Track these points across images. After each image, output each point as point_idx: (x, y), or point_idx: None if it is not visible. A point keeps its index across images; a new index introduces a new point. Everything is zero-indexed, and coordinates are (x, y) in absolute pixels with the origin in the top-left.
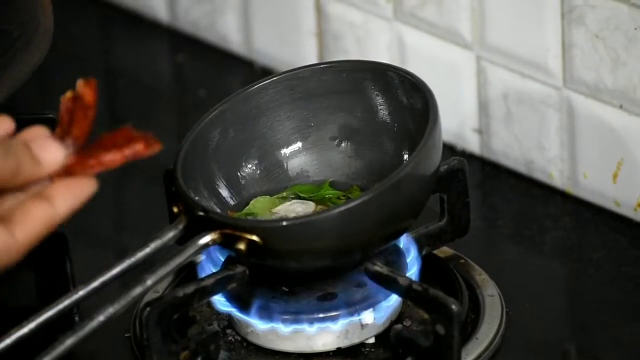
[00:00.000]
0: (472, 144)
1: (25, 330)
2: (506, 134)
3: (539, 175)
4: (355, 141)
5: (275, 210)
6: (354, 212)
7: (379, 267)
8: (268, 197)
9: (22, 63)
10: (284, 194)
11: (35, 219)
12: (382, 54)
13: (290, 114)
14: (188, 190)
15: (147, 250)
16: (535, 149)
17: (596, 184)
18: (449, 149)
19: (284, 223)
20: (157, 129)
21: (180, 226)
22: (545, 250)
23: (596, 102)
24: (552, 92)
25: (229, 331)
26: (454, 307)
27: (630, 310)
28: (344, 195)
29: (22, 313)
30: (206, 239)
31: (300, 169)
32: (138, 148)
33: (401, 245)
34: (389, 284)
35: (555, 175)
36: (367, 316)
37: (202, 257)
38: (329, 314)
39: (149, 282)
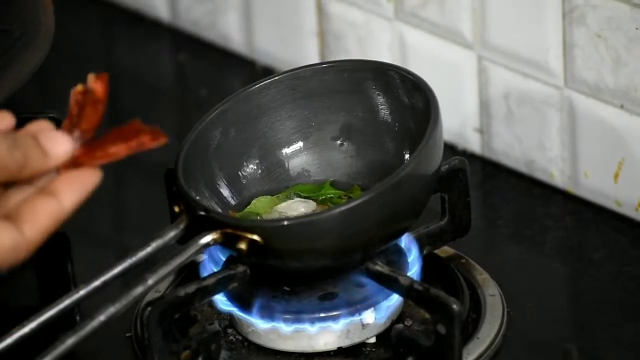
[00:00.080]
0: (473, 143)
1: (26, 329)
2: (507, 133)
3: (540, 175)
4: (356, 141)
5: (276, 209)
6: (355, 211)
7: (380, 267)
8: (269, 196)
9: (23, 63)
10: (285, 193)
11: (43, 215)
12: (383, 54)
13: (292, 114)
14: (189, 190)
15: (148, 249)
16: (536, 148)
17: (597, 183)
18: (450, 149)
19: (285, 223)
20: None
21: (182, 226)
22: (546, 250)
23: (597, 102)
24: (553, 92)
25: (230, 331)
26: (455, 306)
27: (631, 310)
28: (345, 195)
29: (23, 312)
30: (207, 238)
31: (301, 169)
32: (144, 140)
33: (402, 245)
34: (390, 283)
35: (556, 174)
36: (368, 316)
37: (203, 257)
38: (330, 314)
39: (150, 281)
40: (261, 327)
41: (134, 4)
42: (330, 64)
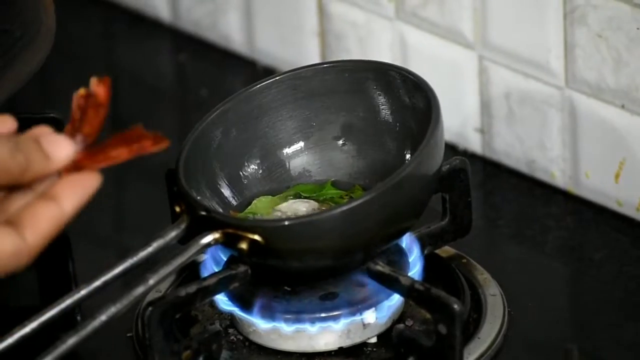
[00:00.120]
0: (474, 143)
1: (27, 329)
2: (508, 133)
3: (540, 175)
4: (357, 141)
5: (277, 209)
6: (356, 211)
7: (381, 267)
8: (270, 196)
9: (24, 63)
10: (286, 193)
11: (44, 220)
12: (384, 54)
13: (293, 114)
14: (190, 190)
15: (149, 249)
16: (537, 148)
17: (598, 183)
18: (451, 149)
19: (286, 223)
20: (159, 129)
21: (183, 226)
22: (547, 250)
23: (598, 101)
24: (554, 92)
25: (231, 331)
26: (456, 306)
27: (632, 309)
28: (346, 195)
29: (25, 312)
30: (208, 238)
31: (302, 169)
32: (145, 144)
33: (403, 245)
34: (391, 283)
35: (557, 174)
36: (369, 316)
37: (204, 257)
38: (331, 314)
39: (151, 281)
40: (262, 327)
41: (134, 4)
42: (331, 64)
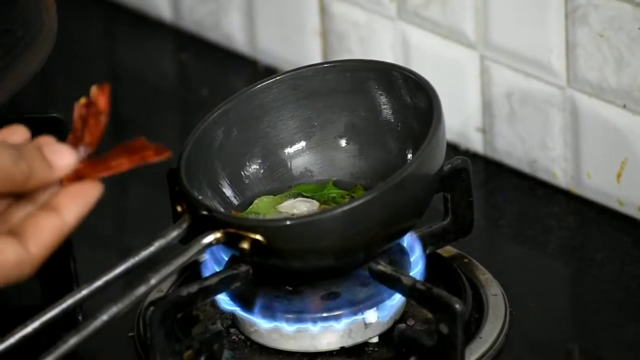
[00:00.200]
0: (476, 143)
1: (29, 329)
2: (510, 133)
3: (542, 175)
4: (359, 140)
5: (278, 208)
6: (358, 211)
7: (382, 267)
8: (272, 196)
9: (26, 63)
10: (288, 193)
11: (47, 231)
12: (386, 54)
13: (294, 113)
14: (192, 190)
15: (151, 249)
16: (539, 148)
17: (600, 183)
18: (453, 148)
19: (288, 222)
20: (160, 128)
21: (184, 225)
22: (548, 250)
23: (600, 101)
24: (555, 92)
25: (232, 330)
26: (457, 306)
27: (633, 309)
28: (347, 195)
29: (26, 312)
30: (210, 238)
31: (304, 168)
32: (147, 154)
33: (405, 245)
34: (393, 283)
35: (559, 174)
36: (371, 315)
37: (205, 256)
38: (332, 313)
39: (153, 281)
40: (264, 326)
41: (136, 4)
42: (333, 64)
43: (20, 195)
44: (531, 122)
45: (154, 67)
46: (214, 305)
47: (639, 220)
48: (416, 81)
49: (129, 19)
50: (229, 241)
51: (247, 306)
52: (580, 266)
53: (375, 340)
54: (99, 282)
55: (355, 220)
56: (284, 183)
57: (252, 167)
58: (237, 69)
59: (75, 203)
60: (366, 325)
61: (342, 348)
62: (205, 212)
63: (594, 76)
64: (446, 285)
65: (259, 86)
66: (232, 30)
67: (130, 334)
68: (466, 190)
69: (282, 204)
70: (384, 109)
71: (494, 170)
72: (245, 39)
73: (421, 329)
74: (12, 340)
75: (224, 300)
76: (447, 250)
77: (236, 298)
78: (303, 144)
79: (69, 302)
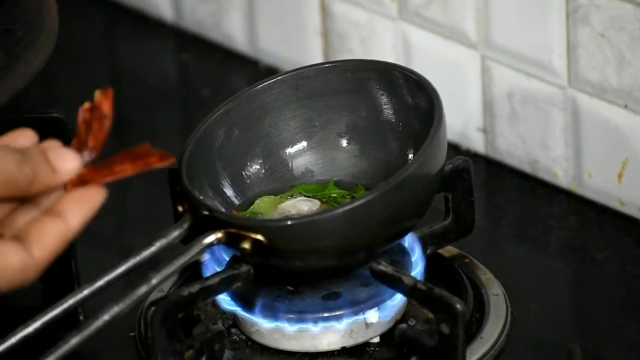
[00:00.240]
0: (477, 143)
1: (30, 329)
2: (511, 133)
3: (543, 175)
4: (360, 140)
5: (280, 207)
6: (359, 211)
7: (383, 267)
8: (273, 196)
9: (27, 63)
10: (289, 193)
11: (51, 236)
12: (387, 54)
13: (295, 113)
14: (193, 190)
15: (152, 249)
16: (540, 148)
17: (601, 183)
18: (454, 148)
19: (289, 222)
20: (161, 128)
21: (185, 225)
22: (549, 250)
23: (601, 101)
24: (556, 92)
25: (233, 330)
26: (458, 306)
27: (634, 309)
28: (348, 195)
29: (27, 312)
30: (211, 238)
31: (305, 168)
32: (151, 160)
33: (406, 245)
34: (394, 283)
35: (560, 174)
36: (372, 315)
37: (206, 256)
38: (333, 313)
39: (154, 281)
40: (265, 326)
41: (137, 4)
42: (334, 64)
43: (23, 200)
44: (532, 122)
45: (155, 67)
46: (215, 305)
47: None
48: (417, 81)
49: (130, 19)
50: (230, 241)
51: (248, 306)
52: (581, 266)
53: (376, 340)
54: (100, 282)
55: (356, 220)
56: (285, 183)
57: (253, 167)
58: (238, 69)
59: (80, 208)
60: (367, 325)
61: (343, 348)
62: (206, 212)
63: (595, 76)
64: (447, 285)
65: (260, 86)
66: (233, 30)
67: (131, 334)
68: (467, 190)
69: (283, 204)
70: (385, 109)
71: (495, 170)
72: (246, 39)
73: (422, 329)
74: (13, 340)
75: (225, 300)
76: (448, 250)
77: (237, 298)
78: (304, 144)
79: (71, 302)
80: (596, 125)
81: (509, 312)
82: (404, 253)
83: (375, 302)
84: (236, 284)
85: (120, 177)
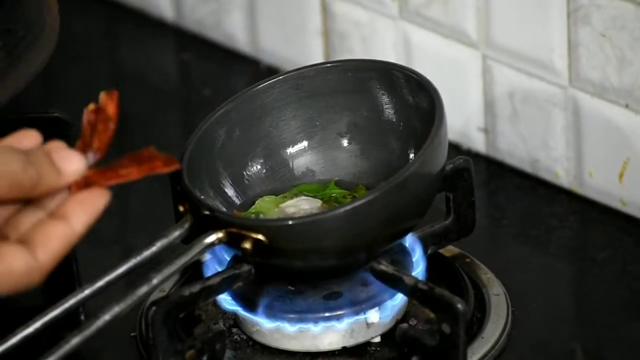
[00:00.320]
0: (478, 143)
1: (31, 329)
2: (512, 133)
3: (544, 174)
4: (361, 140)
5: (281, 207)
6: (360, 211)
7: (384, 266)
8: (274, 196)
9: (28, 62)
10: (290, 193)
11: (55, 239)
12: (387, 53)
13: (296, 113)
14: (194, 190)
15: (153, 249)
16: (541, 148)
17: (602, 183)
18: (455, 148)
19: (290, 222)
20: (162, 128)
21: (186, 225)
22: (550, 250)
23: (602, 101)
24: (557, 91)
25: (234, 330)
26: (459, 306)
27: (636, 309)
28: (349, 194)
29: (28, 312)
30: (212, 238)
31: (305, 168)
32: (156, 164)
33: (407, 244)
34: (395, 283)
35: (561, 174)
36: (373, 315)
37: (207, 256)
38: (334, 313)
39: (155, 281)
40: (266, 326)
41: (138, 4)
42: (335, 64)
43: (28, 201)
44: (533, 122)
45: (156, 66)
46: (216, 305)
47: None
48: (418, 81)
49: (130, 19)
50: (231, 241)
51: (249, 306)
52: (582, 266)
53: (377, 340)
54: (101, 282)
55: (357, 220)
56: (286, 183)
57: (254, 166)
58: (239, 69)
59: (84, 211)
60: (368, 325)
61: (344, 348)
62: (207, 212)
63: (596, 76)
64: (448, 285)
65: (261, 86)
66: (234, 30)
67: (132, 334)
68: (468, 189)
69: (285, 204)
70: (386, 108)
71: (496, 170)
72: (247, 38)
73: (423, 329)
74: (14, 340)
75: (226, 300)
76: (449, 250)
77: (238, 298)
78: (305, 143)
79: (71, 302)
80: (597, 124)
81: (510, 312)
82: (405, 253)
83: (376, 301)
84: (237, 284)
85: (124, 181)
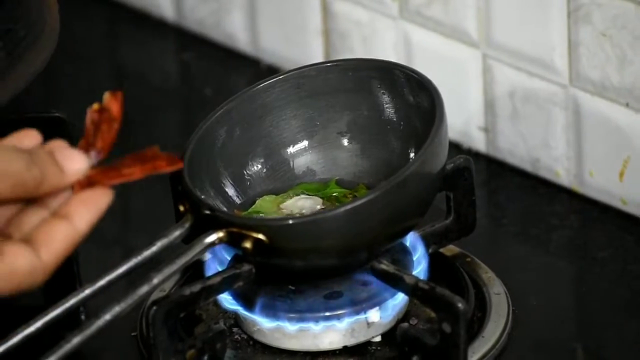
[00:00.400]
0: (478, 142)
1: (32, 329)
2: (512, 132)
3: (545, 174)
4: (361, 140)
5: (281, 206)
6: (361, 210)
7: (385, 266)
8: (274, 195)
9: (28, 63)
10: (290, 192)
11: (59, 239)
12: (388, 53)
13: (296, 113)
14: (194, 189)
15: (154, 248)
16: (541, 147)
17: (602, 182)
18: (455, 147)
19: (291, 222)
20: (163, 128)
21: (187, 225)
22: (551, 249)
23: (602, 100)
24: (558, 91)
25: (235, 330)
26: (460, 305)
27: (636, 308)
28: (350, 194)
29: (29, 312)
30: (212, 237)
31: (306, 168)
32: (159, 164)
33: (407, 244)
34: (395, 282)
35: (562, 173)
36: (374, 314)
37: (208, 256)
38: (335, 313)
39: (156, 280)
40: (266, 326)
41: (139, 4)
42: (335, 63)
43: (30, 201)
44: (534, 121)
45: (157, 66)
46: (217, 304)
47: None
48: (418, 80)
49: (131, 19)
50: (232, 240)
51: (250, 305)
52: (583, 265)
53: (377, 339)
54: (101, 282)
55: (357, 220)
56: (286, 182)
57: (255, 166)
58: (240, 69)
59: (87, 210)
60: (369, 324)
61: (345, 347)
62: (207, 212)
63: (596, 75)
64: (449, 284)
65: (261, 85)
66: (234, 29)
67: (133, 334)
68: (469, 189)
69: (285, 203)
70: (387, 108)
71: (497, 169)
72: (247, 38)
73: (424, 328)
74: (15, 340)
75: (226, 299)
76: (450, 249)
77: (239, 297)
78: (305, 143)
79: (72, 301)
80: (597, 123)
81: (511, 311)
82: (406, 252)
83: (376, 301)
84: (238, 284)
85: (128, 180)
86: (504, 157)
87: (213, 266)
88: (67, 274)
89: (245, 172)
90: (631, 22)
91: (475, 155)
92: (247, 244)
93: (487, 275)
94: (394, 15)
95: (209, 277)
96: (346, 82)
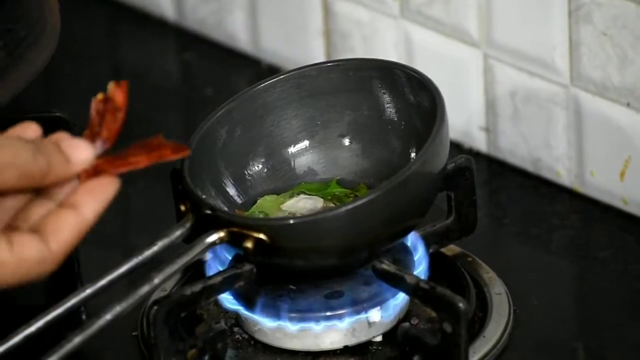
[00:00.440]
0: (479, 142)
1: (33, 328)
2: (513, 132)
3: (546, 173)
4: (362, 139)
5: (282, 206)
6: (361, 210)
7: (386, 265)
8: (275, 195)
9: (29, 62)
10: (291, 192)
11: (67, 229)
12: (389, 52)
13: (297, 113)
14: (195, 189)
15: (155, 248)
16: (543, 147)
17: (603, 181)
18: (456, 147)
19: (291, 221)
20: (164, 128)
21: (188, 224)
22: (552, 249)
23: (603, 100)
24: (559, 90)
25: (236, 329)
26: (461, 305)
27: (637, 308)
28: (351, 194)
29: (30, 311)
30: (213, 237)
31: (307, 167)
32: (165, 152)
33: (408, 243)
34: (396, 282)
35: (563, 173)
36: (375, 314)
37: (209, 256)
38: (336, 312)
39: (157, 280)
40: (267, 325)
41: (139, 3)
42: (336, 63)
43: (37, 192)
44: (535, 121)
45: (157, 66)
46: (218, 304)
47: None
48: (419, 80)
49: (132, 18)
50: (233, 240)
51: (251, 305)
52: (584, 265)
53: (379, 339)
54: (102, 282)
55: (358, 219)
56: (287, 182)
57: (256, 166)
58: (241, 68)
59: (94, 199)
60: (370, 324)
61: (346, 347)
62: (208, 211)
63: (597, 74)
64: (450, 284)
65: (262, 85)
66: (235, 29)
67: (134, 333)
68: (470, 189)
69: (286, 203)
70: (387, 107)
71: (498, 169)
72: (248, 38)
73: (425, 328)
74: (16, 339)
75: (227, 299)
76: (451, 249)
77: (240, 297)
78: (306, 142)
79: (73, 301)
80: (598, 123)
81: (512, 311)
82: (407, 252)
83: (377, 301)
84: (239, 283)
85: (134, 168)
86: (505, 157)
87: (214, 266)
88: (68, 273)
89: (246, 172)
90: (632, 22)
91: (476, 155)
92: (248, 244)
93: (488, 275)
94: (395, 15)
95: (210, 277)
96: (347, 81)
